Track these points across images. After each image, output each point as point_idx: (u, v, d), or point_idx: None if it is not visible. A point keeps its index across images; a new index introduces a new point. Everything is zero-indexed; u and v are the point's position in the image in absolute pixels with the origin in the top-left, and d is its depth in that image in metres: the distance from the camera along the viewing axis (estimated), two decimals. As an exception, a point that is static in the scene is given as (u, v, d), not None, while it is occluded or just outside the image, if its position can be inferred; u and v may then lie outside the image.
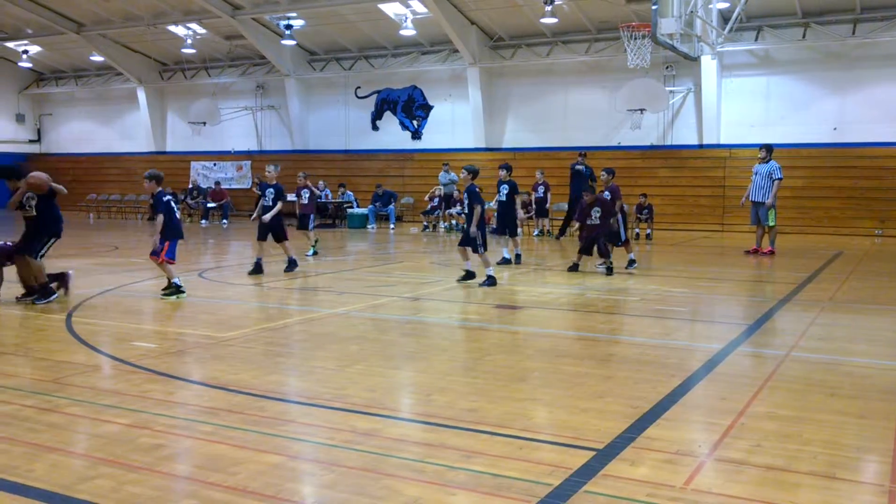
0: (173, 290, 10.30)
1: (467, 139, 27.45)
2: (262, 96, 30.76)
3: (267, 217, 12.86)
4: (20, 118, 36.26)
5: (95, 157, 34.65)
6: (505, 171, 13.67)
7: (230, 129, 31.32)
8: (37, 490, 3.92)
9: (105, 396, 5.57)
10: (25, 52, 32.70)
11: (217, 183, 28.82)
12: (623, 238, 14.16)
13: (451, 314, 9.33)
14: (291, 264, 13.16)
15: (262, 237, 13.10)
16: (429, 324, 8.69)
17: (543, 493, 3.92)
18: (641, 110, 23.57)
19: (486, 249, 11.66)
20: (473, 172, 11.58)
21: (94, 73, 34.46)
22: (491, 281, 11.39)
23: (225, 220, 26.68)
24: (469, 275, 11.85)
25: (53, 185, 9.97)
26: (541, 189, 22.47)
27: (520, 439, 4.73)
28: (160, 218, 10.23)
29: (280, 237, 13.13)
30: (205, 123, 30.19)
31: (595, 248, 13.29)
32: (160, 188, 10.40)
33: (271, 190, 13.10)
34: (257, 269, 12.79)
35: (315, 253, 15.66)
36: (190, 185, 29.37)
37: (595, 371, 6.47)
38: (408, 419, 5.20)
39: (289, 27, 26.51)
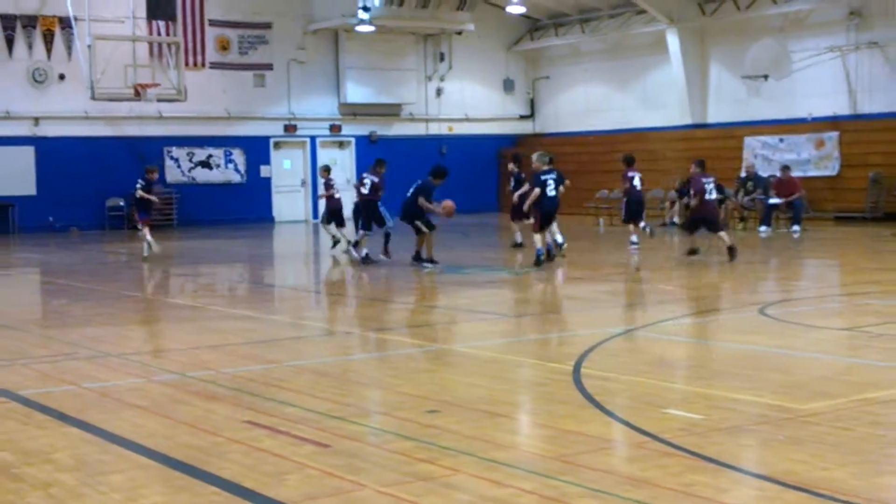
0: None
1: None
2: (857, 29, 30.21)
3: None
4: (508, 85, 40.57)
5: (607, 137, 37.09)
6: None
7: (805, 85, 31.20)
8: None
9: (630, 487, 5.92)
10: (517, -9, 36.50)
11: (784, 168, 28.92)
12: None
13: None
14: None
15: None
16: None
17: None
18: None
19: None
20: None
21: (607, 13, 37.07)
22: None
23: (796, 227, 26.66)
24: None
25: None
26: None
27: None
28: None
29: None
30: (766, 77, 30.56)
31: None
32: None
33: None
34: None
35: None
36: (743, 174, 29.86)
37: None
38: None
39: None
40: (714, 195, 19.71)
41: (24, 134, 32.31)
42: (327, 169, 23.24)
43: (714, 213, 19.76)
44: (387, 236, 20.06)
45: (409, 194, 18.70)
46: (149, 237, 21.62)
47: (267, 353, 10.94)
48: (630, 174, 21.50)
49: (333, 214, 22.48)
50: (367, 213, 19.97)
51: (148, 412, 8.13)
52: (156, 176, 23.14)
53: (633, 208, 21.76)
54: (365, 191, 19.98)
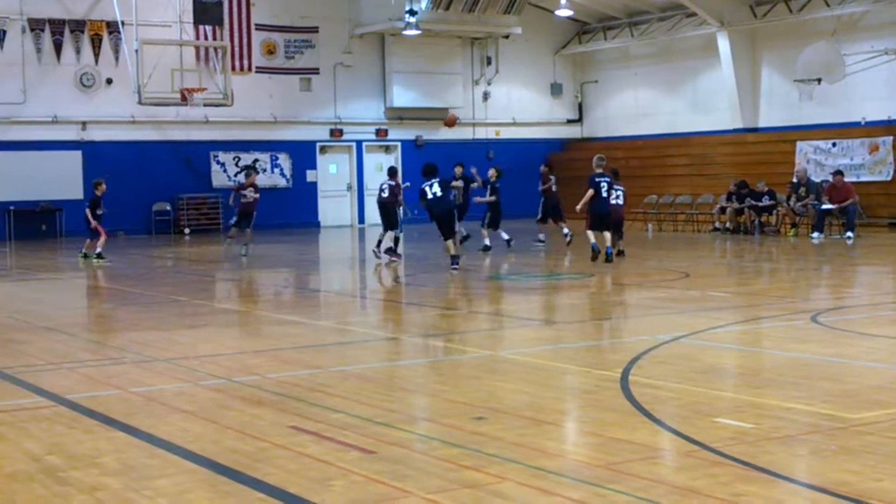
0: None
1: None
2: (912, 31, 29.93)
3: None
4: (556, 89, 40.58)
5: (656, 141, 37.01)
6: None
7: (859, 88, 30.95)
8: None
9: (679, 497, 5.90)
10: (566, -7, 36.40)
11: (837, 173, 28.68)
12: None
13: None
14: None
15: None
16: None
17: None
18: None
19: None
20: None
21: (657, 16, 36.96)
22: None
23: (850, 233, 26.44)
24: None
25: None
26: None
27: None
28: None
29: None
30: (819, 81, 30.32)
31: None
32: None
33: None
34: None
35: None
36: (795, 179, 29.68)
37: None
38: None
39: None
40: (609, 194, 20.58)
41: (71, 138, 32.72)
42: (255, 171, 28.55)
43: (617, 213, 20.87)
44: (396, 240, 22.34)
45: (438, 194, 19.62)
46: (88, 248, 23.39)
47: (312, 358, 11.05)
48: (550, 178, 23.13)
49: (245, 217, 24.24)
50: (384, 214, 22.63)
51: (194, 417, 8.21)
52: (104, 188, 23.61)
53: (549, 209, 24.12)
54: (385, 195, 22.59)
